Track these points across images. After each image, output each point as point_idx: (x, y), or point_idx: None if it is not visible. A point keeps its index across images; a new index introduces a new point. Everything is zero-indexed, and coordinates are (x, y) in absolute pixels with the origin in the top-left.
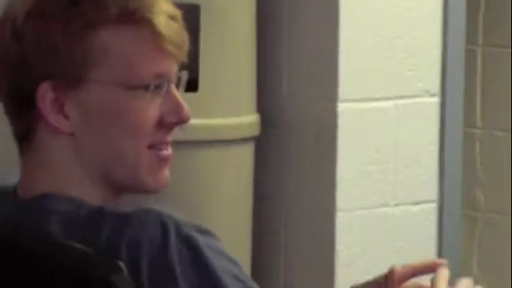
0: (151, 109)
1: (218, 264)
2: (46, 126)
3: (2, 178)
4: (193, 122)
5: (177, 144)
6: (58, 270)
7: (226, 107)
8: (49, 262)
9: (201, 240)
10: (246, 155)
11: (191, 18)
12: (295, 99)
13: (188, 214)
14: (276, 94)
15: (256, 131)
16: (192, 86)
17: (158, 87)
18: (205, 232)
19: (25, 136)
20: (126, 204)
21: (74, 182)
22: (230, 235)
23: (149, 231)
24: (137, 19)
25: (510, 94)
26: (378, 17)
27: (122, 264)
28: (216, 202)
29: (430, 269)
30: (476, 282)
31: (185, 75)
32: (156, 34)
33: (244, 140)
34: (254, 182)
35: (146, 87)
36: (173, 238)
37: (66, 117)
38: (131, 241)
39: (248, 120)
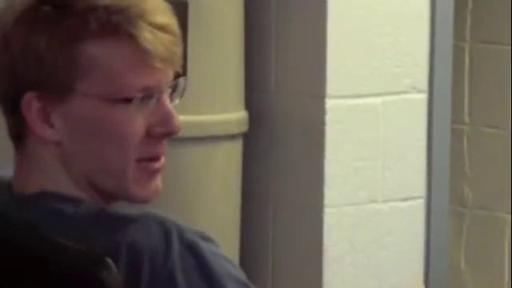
0: (137, 121)
1: (222, 269)
2: (33, 133)
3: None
4: (181, 118)
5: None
6: (48, 267)
7: (213, 104)
8: (39, 259)
9: (204, 246)
10: (234, 152)
11: (179, 16)
12: (283, 96)
13: (176, 211)
14: (264, 90)
15: (244, 128)
16: None
17: (146, 98)
18: (206, 238)
19: (17, 137)
20: (129, 206)
21: (64, 187)
22: (217, 232)
23: (151, 237)
24: (120, 33)
25: (501, 90)
26: (366, 13)
27: (110, 261)
28: (204, 198)
29: None
30: (463, 278)
31: (182, 82)
32: (141, 50)
33: (232, 136)
34: (242, 178)
35: (129, 100)
36: (175, 244)
37: (52, 126)
38: (132, 245)
39: (236, 116)
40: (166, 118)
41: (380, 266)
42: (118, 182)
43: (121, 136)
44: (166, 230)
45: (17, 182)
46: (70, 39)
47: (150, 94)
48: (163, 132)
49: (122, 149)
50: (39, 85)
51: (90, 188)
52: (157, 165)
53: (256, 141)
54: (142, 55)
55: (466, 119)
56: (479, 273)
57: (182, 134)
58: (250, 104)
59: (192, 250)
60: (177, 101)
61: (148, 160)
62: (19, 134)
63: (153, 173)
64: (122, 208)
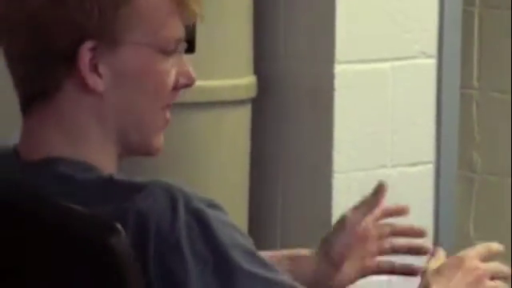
0: (172, 72)
1: (228, 238)
2: (76, 84)
3: (3, 138)
4: None
5: (174, 106)
6: (57, 231)
7: (223, 69)
8: (47, 223)
9: (210, 214)
10: (242, 117)
11: None
12: (292, 61)
13: (185, 176)
14: (273, 55)
15: (253, 93)
16: (189, 47)
17: (177, 49)
18: (214, 206)
19: (41, 95)
20: (136, 174)
21: (89, 143)
22: (226, 197)
23: (158, 204)
24: None
25: (510, 55)
26: None
27: (120, 226)
28: (213, 163)
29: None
30: (471, 243)
31: None
32: None
33: (241, 102)
34: (251, 143)
35: (170, 50)
36: (182, 211)
37: (100, 76)
38: (140, 212)
39: (245, 82)
40: (187, 70)
41: None
42: (145, 133)
43: (160, 86)
44: (172, 197)
45: (26, 147)
46: None
47: (180, 47)
48: (186, 83)
49: (157, 99)
50: (94, 35)
51: (117, 142)
52: (168, 115)
53: (265, 106)
54: (187, 2)
55: (475, 84)
56: (488, 238)
57: (191, 99)
58: (259, 70)
59: (198, 218)
60: None
61: (166, 110)
62: (46, 91)
63: (166, 123)
64: (130, 176)
